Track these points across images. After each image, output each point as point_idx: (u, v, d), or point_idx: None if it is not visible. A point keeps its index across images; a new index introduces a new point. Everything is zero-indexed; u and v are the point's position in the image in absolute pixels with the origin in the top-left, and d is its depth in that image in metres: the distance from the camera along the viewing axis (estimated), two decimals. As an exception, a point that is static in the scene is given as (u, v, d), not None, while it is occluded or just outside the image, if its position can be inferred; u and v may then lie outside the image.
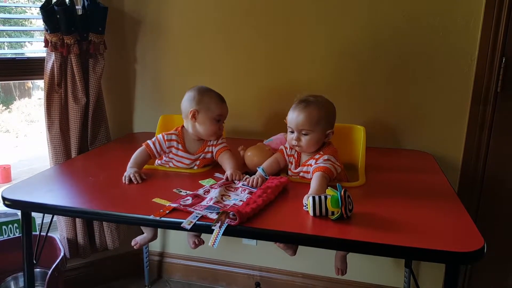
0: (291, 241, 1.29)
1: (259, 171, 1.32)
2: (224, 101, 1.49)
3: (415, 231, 0.99)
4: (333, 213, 1.03)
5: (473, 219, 1.05)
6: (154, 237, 1.72)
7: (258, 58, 1.82)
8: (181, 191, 1.23)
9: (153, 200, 1.16)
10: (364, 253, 0.99)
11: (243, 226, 1.01)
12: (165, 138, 1.46)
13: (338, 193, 1.03)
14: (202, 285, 2.11)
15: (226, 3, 1.80)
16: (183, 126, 1.50)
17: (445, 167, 1.57)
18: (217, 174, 1.40)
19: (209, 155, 1.48)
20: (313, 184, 1.19)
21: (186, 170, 1.45)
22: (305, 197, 1.11)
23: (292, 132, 1.33)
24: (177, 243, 2.14)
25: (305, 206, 1.09)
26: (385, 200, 1.18)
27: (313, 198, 1.05)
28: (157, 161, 1.52)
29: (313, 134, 1.30)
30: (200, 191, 1.22)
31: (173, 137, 1.47)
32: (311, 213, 1.05)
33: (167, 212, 1.08)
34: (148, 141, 1.45)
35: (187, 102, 1.47)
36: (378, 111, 1.75)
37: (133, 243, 1.70)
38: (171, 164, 1.48)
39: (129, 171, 1.35)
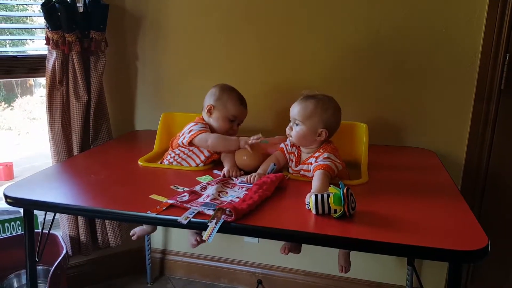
0: (294, 239, 1.28)
1: (270, 167, 1.34)
2: (244, 103, 1.51)
3: (418, 229, 0.99)
4: (335, 211, 1.03)
5: (477, 217, 1.05)
6: (153, 229, 1.73)
7: (260, 56, 1.81)
8: (178, 188, 1.23)
9: (150, 196, 1.16)
10: (367, 251, 0.99)
11: (247, 224, 1.01)
12: (205, 126, 1.46)
13: (341, 191, 1.02)
14: (204, 283, 2.12)
15: (227, 1, 1.79)
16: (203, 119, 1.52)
17: (448, 165, 1.56)
18: (216, 171, 1.40)
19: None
20: (315, 183, 1.18)
21: (185, 168, 1.44)
22: (308, 195, 1.11)
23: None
24: (179, 241, 2.14)
25: (307, 204, 1.09)
26: (388, 198, 1.18)
27: (316, 196, 1.05)
28: (165, 161, 1.51)
29: (302, 127, 1.31)
30: (197, 188, 1.22)
31: (206, 126, 1.48)
32: (313, 211, 1.05)
33: (164, 208, 1.09)
34: (204, 128, 1.45)
35: (207, 97, 1.52)
36: (381, 109, 1.75)
37: (131, 233, 1.71)
38: (178, 159, 1.47)
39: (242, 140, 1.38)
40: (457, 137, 1.70)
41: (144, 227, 1.71)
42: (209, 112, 1.50)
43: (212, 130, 1.50)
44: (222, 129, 1.49)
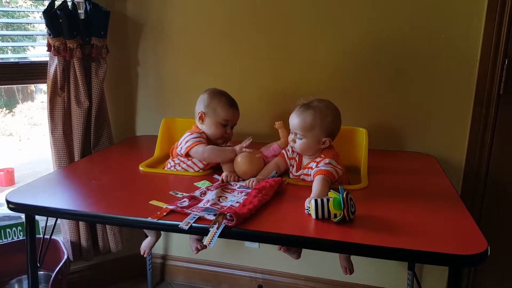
0: (294, 244, 1.29)
1: (271, 174, 1.35)
2: (234, 105, 1.50)
3: (418, 233, 0.99)
4: (335, 216, 1.03)
5: (476, 221, 1.05)
6: (158, 237, 1.74)
7: (261, 60, 1.82)
8: (177, 193, 1.24)
9: (150, 202, 1.17)
10: (367, 256, 0.99)
11: (248, 229, 1.02)
12: (201, 136, 1.46)
13: (340, 195, 1.03)
14: (204, 288, 2.12)
15: (229, 5, 1.80)
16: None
17: (448, 170, 1.57)
18: (216, 176, 1.41)
19: None
20: (315, 188, 1.19)
21: (185, 173, 1.45)
22: (307, 200, 1.11)
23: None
24: (179, 246, 2.14)
25: (307, 209, 1.09)
26: (387, 202, 1.18)
27: (315, 200, 1.05)
28: (167, 167, 1.52)
29: (305, 140, 1.31)
30: (197, 193, 1.23)
31: (202, 135, 1.47)
32: (313, 215, 1.05)
33: (164, 214, 1.09)
34: (198, 139, 1.43)
35: (198, 104, 1.51)
36: (381, 114, 1.75)
37: (142, 253, 1.72)
38: (178, 168, 1.48)
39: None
40: (457, 142, 1.70)
41: (149, 239, 1.72)
42: (201, 119, 1.49)
43: (206, 137, 1.50)
44: (216, 134, 1.48)
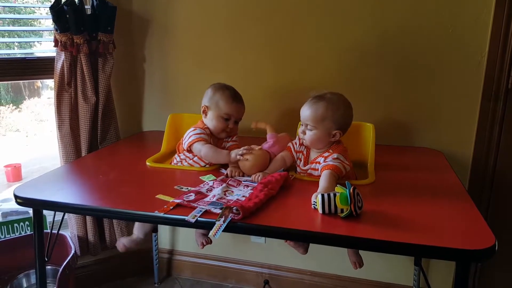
0: (300, 238, 1.29)
1: (279, 171, 1.34)
2: (237, 100, 1.49)
3: (425, 228, 0.99)
4: (342, 211, 1.03)
5: (484, 216, 1.05)
6: (145, 237, 1.65)
7: (266, 56, 1.82)
8: (182, 188, 1.24)
9: (157, 196, 1.17)
10: (374, 250, 0.99)
11: (254, 224, 1.02)
12: (203, 132, 1.46)
13: (347, 190, 1.03)
14: (211, 283, 2.12)
15: (233, 2, 1.80)
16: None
17: (455, 165, 1.56)
18: (222, 170, 1.41)
19: None
20: (322, 182, 1.19)
21: (191, 168, 1.45)
22: (314, 195, 1.11)
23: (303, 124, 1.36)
24: (186, 241, 2.15)
25: (313, 204, 1.09)
26: (395, 198, 1.18)
27: (322, 195, 1.05)
28: (173, 162, 1.52)
29: (316, 131, 1.31)
30: (203, 190, 1.23)
31: (205, 131, 1.48)
32: (320, 210, 1.05)
33: (171, 208, 1.10)
34: (199, 136, 1.43)
35: (203, 98, 1.51)
36: (388, 109, 1.74)
37: (120, 246, 1.59)
38: (184, 163, 1.48)
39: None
40: (464, 137, 1.69)
41: (135, 236, 1.62)
42: (204, 113, 1.50)
43: (210, 132, 1.50)
44: (218, 128, 1.48)
